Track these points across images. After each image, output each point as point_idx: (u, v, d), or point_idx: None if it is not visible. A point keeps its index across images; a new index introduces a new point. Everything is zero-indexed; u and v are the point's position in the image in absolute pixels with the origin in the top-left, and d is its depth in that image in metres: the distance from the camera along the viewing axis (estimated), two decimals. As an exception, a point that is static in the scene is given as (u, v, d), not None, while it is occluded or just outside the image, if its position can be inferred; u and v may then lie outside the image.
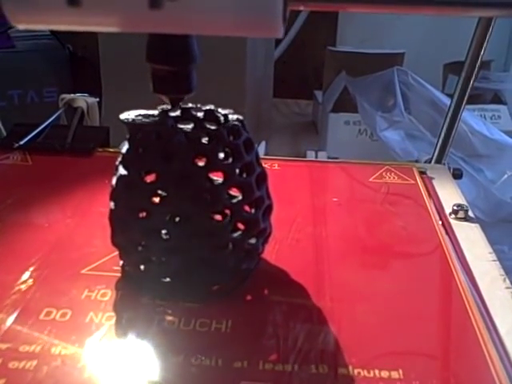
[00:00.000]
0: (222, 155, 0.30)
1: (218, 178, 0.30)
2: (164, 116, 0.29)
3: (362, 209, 0.44)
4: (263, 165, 0.31)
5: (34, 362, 0.26)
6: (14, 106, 1.45)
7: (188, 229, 0.29)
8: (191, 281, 0.31)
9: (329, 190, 0.48)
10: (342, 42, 1.70)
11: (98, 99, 0.62)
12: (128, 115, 0.29)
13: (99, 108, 0.63)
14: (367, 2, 0.24)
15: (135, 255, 0.31)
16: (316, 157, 0.76)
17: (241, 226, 0.31)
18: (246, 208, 0.31)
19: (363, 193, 0.47)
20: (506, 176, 1.11)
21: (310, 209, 0.42)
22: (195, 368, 0.26)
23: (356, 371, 0.26)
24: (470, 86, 0.55)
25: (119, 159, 0.30)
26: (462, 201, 0.45)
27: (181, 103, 0.30)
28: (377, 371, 0.26)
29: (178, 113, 0.30)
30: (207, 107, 0.30)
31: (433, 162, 0.58)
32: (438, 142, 0.58)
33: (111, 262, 0.34)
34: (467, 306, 0.31)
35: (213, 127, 0.29)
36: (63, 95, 0.60)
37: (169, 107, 0.30)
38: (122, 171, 0.29)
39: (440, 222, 0.41)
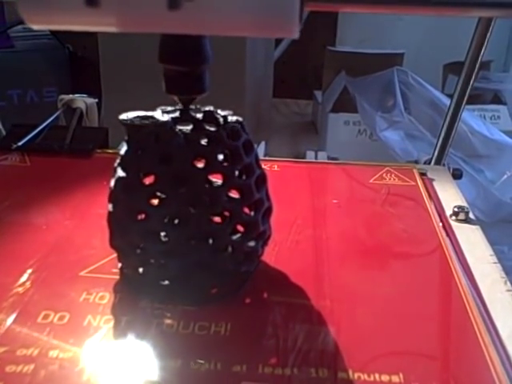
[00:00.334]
0: (221, 157, 0.29)
1: (217, 180, 0.30)
2: (163, 117, 0.29)
3: (362, 210, 0.44)
4: (263, 166, 0.31)
5: (32, 366, 0.25)
6: (14, 106, 1.45)
7: (187, 231, 0.29)
8: (190, 284, 0.30)
9: (329, 192, 0.48)
10: (341, 42, 1.70)
11: (96, 100, 0.62)
12: (127, 116, 0.29)
13: (99, 108, 0.63)
14: (367, 2, 0.24)
15: (134, 258, 0.30)
16: (316, 157, 0.76)
17: (240, 228, 0.31)
18: (246, 210, 0.30)
19: (363, 194, 0.46)
20: (505, 176, 1.11)
21: (310, 210, 0.42)
22: (194, 372, 0.26)
23: (356, 375, 0.26)
24: (470, 86, 0.55)
25: (118, 161, 0.30)
26: (463, 202, 0.45)
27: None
28: (377, 375, 0.26)
29: (176, 114, 0.30)
30: (206, 108, 0.30)
31: (432, 162, 0.58)
32: (437, 142, 0.58)
33: (110, 264, 0.33)
34: (468, 308, 0.31)
35: (212, 129, 0.29)
36: (62, 96, 0.60)
37: (168, 108, 0.30)
38: (120, 173, 0.29)
39: (440, 224, 0.41)
